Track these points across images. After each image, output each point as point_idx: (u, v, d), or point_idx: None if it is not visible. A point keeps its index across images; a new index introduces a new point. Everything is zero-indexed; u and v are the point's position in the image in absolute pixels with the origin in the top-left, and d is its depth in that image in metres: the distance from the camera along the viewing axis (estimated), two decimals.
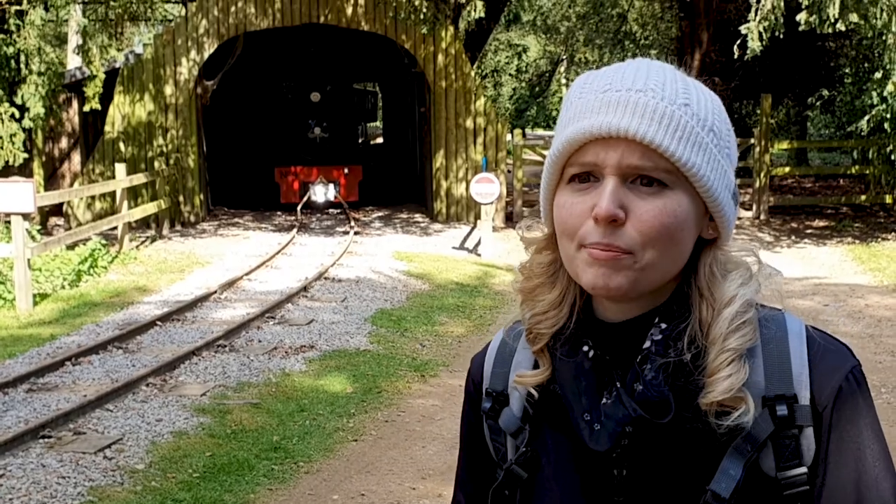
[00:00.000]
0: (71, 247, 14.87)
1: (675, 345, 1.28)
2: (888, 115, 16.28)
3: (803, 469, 1.27)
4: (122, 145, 19.56)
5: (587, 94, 1.27)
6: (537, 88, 47.37)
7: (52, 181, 20.74)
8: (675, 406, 1.26)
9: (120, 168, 16.57)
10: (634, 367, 1.29)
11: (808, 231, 18.93)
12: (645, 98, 1.23)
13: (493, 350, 1.50)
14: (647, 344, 1.30)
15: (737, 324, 1.27)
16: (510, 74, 48.12)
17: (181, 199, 19.90)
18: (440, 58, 20.13)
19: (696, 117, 1.25)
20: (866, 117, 16.66)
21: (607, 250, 1.23)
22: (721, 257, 1.33)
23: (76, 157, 21.57)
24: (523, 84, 48.39)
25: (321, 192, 23.15)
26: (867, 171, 20.19)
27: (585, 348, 1.34)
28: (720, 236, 1.32)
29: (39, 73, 16.82)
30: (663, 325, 1.30)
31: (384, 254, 16.13)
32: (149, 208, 17.87)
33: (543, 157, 20.42)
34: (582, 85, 1.30)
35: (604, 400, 1.31)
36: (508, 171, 21.38)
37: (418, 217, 21.48)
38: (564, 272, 1.36)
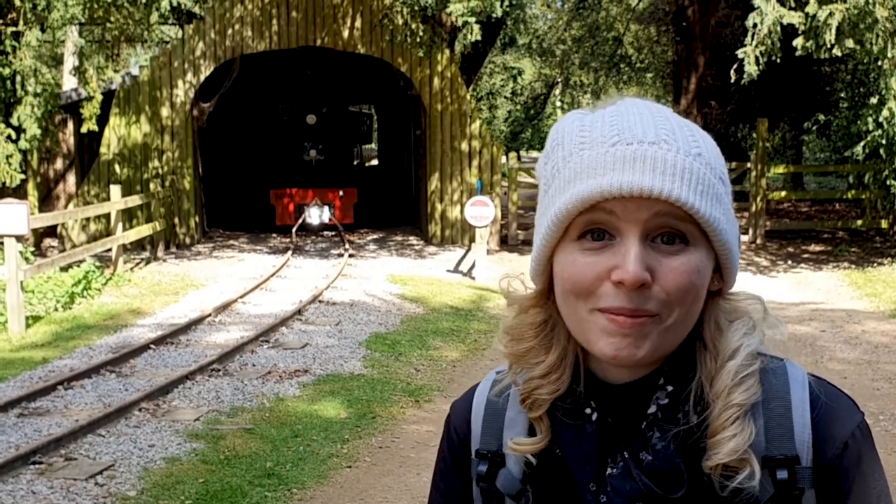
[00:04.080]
0: (65, 269, 14.80)
1: (683, 408, 1.22)
2: (884, 140, 16.31)
3: None
4: (117, 167, 19.55)
5: (593, 146, 1.18)
6: (532, 111, 47.45)
7: (46, 202, 20.69)
8: (685, 472, 1.20)
9: (115, 190, 16.53)
10: (640, 434, 1.23)
11: (805, 256, 18.91)
12: (662, 152, 1.15)
13: (480, 406, 1.39)
14: (653, 409, 1.23)
15: (741, 376, 1.21)
16: (505, 97, 48.18)
17: (176, 220, 19.86)
18: (436, 81, 20.17)
19: (709, 167, 1.19)
20: (862, 142, 16.69)
21: (634, 316, 1.15)
22: (726, 306, 1.27)
23: (71, 179, 21.54)
24: (518, 107, 48.47)
25: (316, 215, 23.13)
26: (863, 196, 20.21)
27: (588, 411, 1.27)
28: (725, 286, 1.26)
29: (35, 94, 16.79)
30: (669, 388, 1.23)
31: (378, 277, 16.08)
32: (143, 230, 17.82)
33: None
34: (581, 134, 1.20)
35: (609, 470, 1.24)
36: (504, 194, 21.38)
37: (413, 240, 21.45)
38: (561, 332, 1.28)
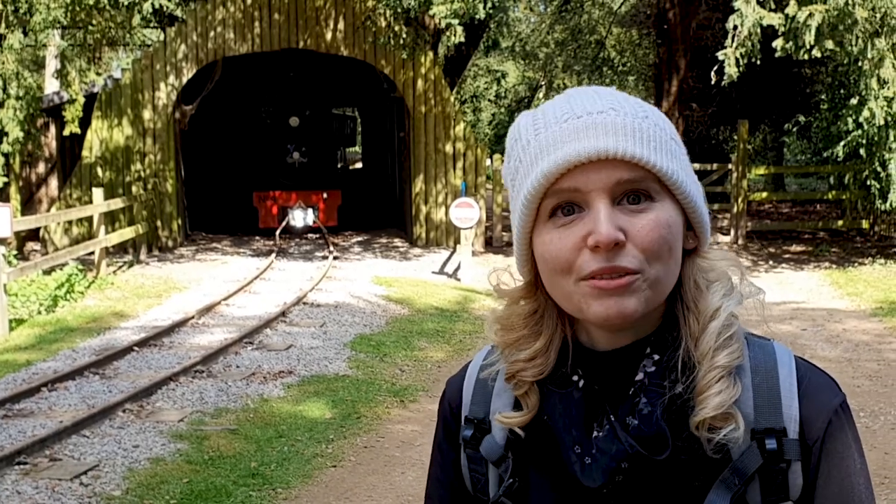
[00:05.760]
0: (48, 272, 14.76)
1: (670, 376, 1.26)
2: (864, 141, 16.41)
3: None
4: (99, 170, 19.49)
5: (546, 128, 1.24)
6: (516, 114, 47.56)
7: (29, 206, 20.61)
8: (670, 435, 1.24)
9: (97, 193, 16.48)
10: (627, 400, 1.27)
11: (786, 256, 19.02)
12: (611, 118, 1.21)
13: (473, 375, 1.44)
14: (640, 376, 1.27)
15: (724, 338, 1.25)
16: (489, 100, 48.27)
17: (159, 223, 19.82)
18: (419, 83, 20.19)
19: (658, 127, 1.24)
20: (842, 143, 16.79)
21: (614, 278, 1.20)
22: (703, 265, 1.31)
23: (53, 182, 21.45)
24: (502, 109, 48.54)
25: (300, 217, 23.10)
26: (844, 197, 20.35)
27: (575, 378, 1.31)
28: (700, 243, 1.31)
29: (17, 98, 16.74)
30: (656, 356, 1.27)
31: (363, 279, 16.09)
32: (126, 233, 17.78)
33: None
34: (532, 124, 1.26)
35: (595, 433, 1.27)
36: (489, 196, 21.42)
37: (398, 242, 21.46)
38: (549, 320, 1.32)
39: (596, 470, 1.26)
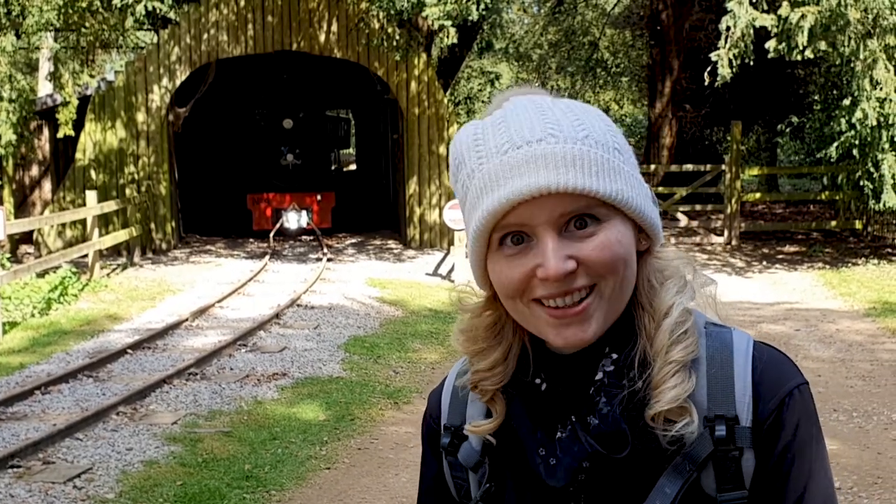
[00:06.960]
0: (41, 275, 14.73)
1: (628, 374, 1.27)
2: (857, 142, 16.44)
3: (744, 492, 1.26)
4: (93, 173, 19.46)
5: (488, 159, 1.23)
6: None
7: (22, 209, 20.58)
8: (630, 433, 1.25)
9: (91, 195, 16.46)
10: (588, 400, 1.28)
11: (780, 256, 19.04)
12: (550, 147, 1.20)
13: (450, 384, 1.47)
14: (599, 375, 1.28)
15: (678, 334, 1.26)
16: (483, 102, 48.33)
17: (153, 226, 19.79)
18: (413, 85, 20.19)
19: (599, 144, 1.23)
20: (835, 144, 16.82)
21: (569, 306, 1.22)
22: (657, 264, 1.32)
23: (47, 185, 21.43)
24: None
25: (294, 219, 23.07)
26: (837, 197, 20.37)
27: (538, 381, 1.33)
28: (652, 243, 1.31)
29: (10, 100, 16.72)
30: (614, 356, 1.28)
31: (357, 280, 16.09)
32: (120, 236, 17.76)
33: None
34: (477, 149, 1.25)
35: (558, 434, 1.29)
36: None
37: (391, 244, 21.46)
38: (509, 329, 1.35)
39: (560, 470, 1.28)
